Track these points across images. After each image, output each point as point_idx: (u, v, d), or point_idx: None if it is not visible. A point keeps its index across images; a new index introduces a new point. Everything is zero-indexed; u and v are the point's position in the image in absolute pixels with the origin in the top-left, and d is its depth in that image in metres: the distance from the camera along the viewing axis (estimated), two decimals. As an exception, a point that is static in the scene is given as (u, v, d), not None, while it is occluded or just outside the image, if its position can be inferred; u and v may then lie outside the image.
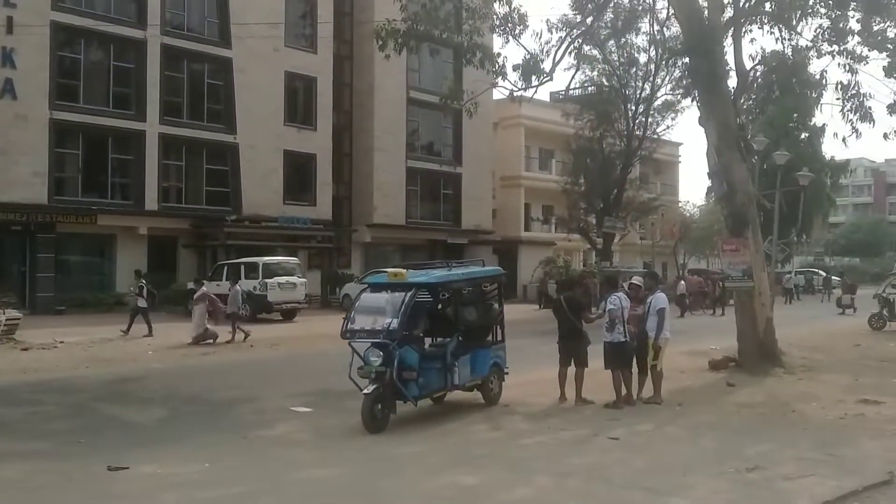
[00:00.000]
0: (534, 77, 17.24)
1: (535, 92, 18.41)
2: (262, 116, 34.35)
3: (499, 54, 17.35)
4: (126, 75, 31.42)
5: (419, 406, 10.34)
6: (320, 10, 36.51)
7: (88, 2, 30.42)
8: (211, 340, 19.46)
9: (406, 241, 41.01)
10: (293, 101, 36.36)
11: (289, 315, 27.47)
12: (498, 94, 27.62)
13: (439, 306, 11.23)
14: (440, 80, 35.14)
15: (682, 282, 33.92)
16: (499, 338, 11.74)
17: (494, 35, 19.73)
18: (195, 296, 20.34)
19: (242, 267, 27.52)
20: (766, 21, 16.79)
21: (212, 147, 33.70)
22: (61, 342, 19.02)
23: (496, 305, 11.86)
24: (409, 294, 9.90)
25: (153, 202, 31.50)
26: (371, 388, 9.42)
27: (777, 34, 16.72)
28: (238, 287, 21.91)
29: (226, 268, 27.80)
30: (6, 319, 19.51)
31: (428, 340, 11.17)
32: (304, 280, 28.68)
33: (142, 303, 21.37)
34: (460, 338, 10.79)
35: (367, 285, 11.23)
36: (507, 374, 11.67)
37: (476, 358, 10.97)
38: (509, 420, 10.47)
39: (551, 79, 17.62)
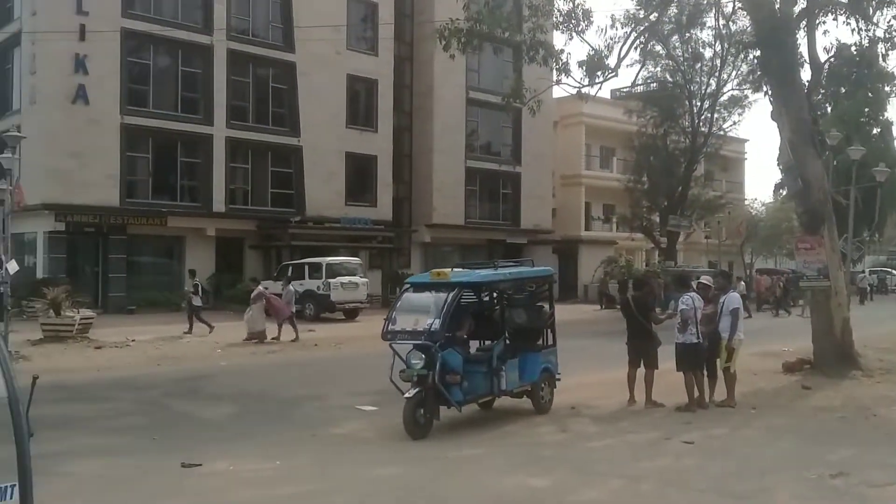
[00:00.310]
0: (598, 73, 17.01)
1: (600, 88, 18.10)
2: (325, 119, 34.73)
3: (562, 51, 17.17)
4: (194, 80, 32.12)
5: (478, 410, 10.21)
6: (381, 12, 36.76)
7: (157, 8, 31.21)
8: (266, 339, 19.86)
9: (465, 241, 40.98)
10: (355, 104, 36.69)
11: (351, 314, 27.71)
12: (558, 92, 27.57)
13: (487, 308, 10.90)
14: (499, 79, 35.12)
15: (743, 283, 33.03)
16: (550, 341, 11.22)
17: (556, 32, 19.52)
18: (252, 295, 20.75)
19: (306, 267, 27.94)
20: (841, 11, 16.18)
21: (276, 150, 34.23)
22: (133, 340, 19.51)
23: (547, 307, 11.44)
24: (451, 294, 9.49)
25: (220, 204, 32.14)
26: (413, 391, 9.12)
27: (854, 25, 16.07)
28: (291, 287, 22.20)
29: (290, 268, 28.22)
30: (81, 318, 20.10)
31: (475, 344, 10.82)
32: (366, 280, 28.90)
33: (197, 301, 21.85)
34: (508, 341, 10.43)
35: (408, 285, 10.79)
36: (559, 379, 11.16)
37: (525, 362, 10.52)
38: (576, 422, 10.31)
39: (616, 74, 17.28)
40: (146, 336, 20.36)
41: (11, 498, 3.60)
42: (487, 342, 10.73)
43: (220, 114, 32.09)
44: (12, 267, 16.90)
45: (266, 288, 21.74)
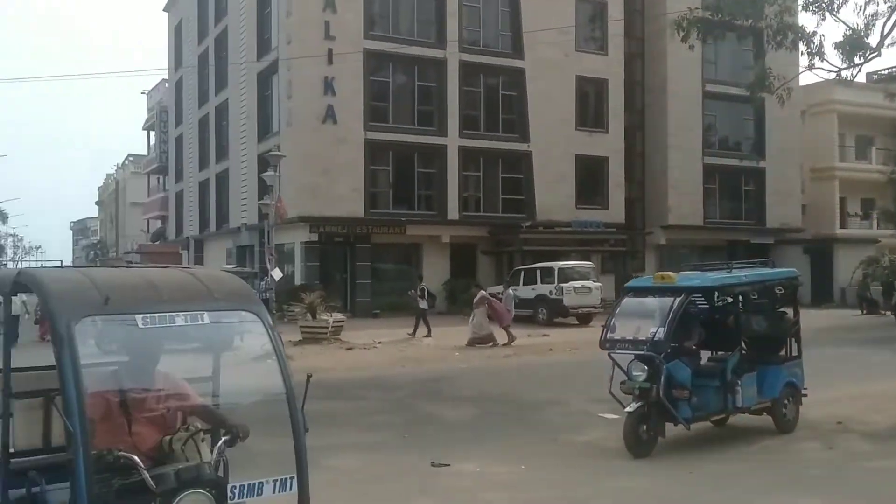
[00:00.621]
0: (857, 55, 15.35)
1: (859, 71, 16.38)
2: (554, 123, 34.71)
3: (814, 33, 15.71)
4: (429, 93, 33.50)
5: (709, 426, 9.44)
6: (610, 10, 36.10)
7: (395, 28, 32.98)
8: (490, 343, 19.99)
9: (704, 243, 38.99)
10: (584, 105, 36.32)
11: (584, 319, 27.34)
12: (803, 79, 25.34)
13: (720, 316, 9.84)
14: (738, 70, 33.05)
15: None
16: (794, 352, 10.04)
17: (804, 13, 17.93)
18: (475, 299, 21.04)
19: (538, 272, 28.03)
20: None
21: (507, 156, 34.76)
22: (379, 343, 20.61)
23: (790, 313, 10.17)
24: (678, 300, 8.65)
25: (454, 212, 33.19)
26: (634, 405, 8.44)
27: None
28: (511, 291, 22.27)
29: (522, 273, 28.47)
30: (333, 322, 21.60)
31: (706, 355, 9.84)
32: (599, 284, 28.41)
33: (423, 304, 22.55)
34: (744, 352, 9.51)
35: (629, 290, 9.97)
36: (805, 395, 9.91)
37: (764, 376, 9.45)
38: (844, 438, 9.33)
39: (879, 54, 15.48)
40: (389, 338, 21.40)
41: (291, 489, 3.81)
42: (720, 353, 9.77)
43: (453, 124, 33.16)
44: (277, 274, 18.54)
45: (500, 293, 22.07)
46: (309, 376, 4.03)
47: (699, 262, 34.45)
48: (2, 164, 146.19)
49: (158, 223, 59.49)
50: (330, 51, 30.47)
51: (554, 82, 34.56)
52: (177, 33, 50.10)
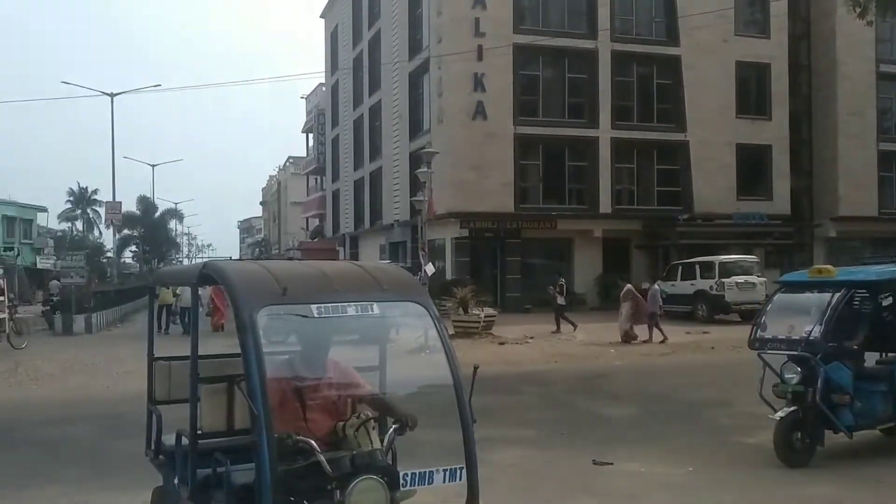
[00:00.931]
0: None
1: None
2: (712, 111, 33.27)
3: None
4: (579, 85, 33.02)
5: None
6: (773, -10, 34.21)
7: (545, 20, 32.73)
8: (635, 340, 19.64)
9: (879, 235, 36.01)
10: (745, 92, 34.59)
11: (747, 316, 25.95)
12: None
13: (886, 313, 8.83)
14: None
15: None
16: None
17: None
18: (621, 294, 20.64)
19: (697, 266, 26.97)
20: None
21: (662, 147, 33.70)
22: (531, 338, 20.55)
23: None
24: (837, 295, 7.91)
25: (607, 205, 32.56)
26: (787, 410, 7.75)
27: None
28: (657, 286, 21.54)
29: (680, 267, 27.49)
30: (485, 316, 21.71)
31: (873, 356, 8.81)
32: (763, 279, 26.90)
33: (560, 300, 22.39)
34: None
35: (782, 285, 9.20)
36: None
37: None
38: None
39: None
40: (541, 334, 21.29)
41: (460, 480, 3.80)
42: (890, 355, 8.79)
43: (604, 116, 32.56)
44: (430, 269, 18.86)
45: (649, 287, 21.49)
46: (476, 367, 4.01)
47: (873, 255, 32.00)
48: (178, 167, 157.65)
49: (316, 221, 62.18)
50: (480, 47, 30.64)
51: (712, 69, 33.15)
52: (333, 39, 52.09)
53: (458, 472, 3.80)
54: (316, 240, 58.55)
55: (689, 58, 33.10)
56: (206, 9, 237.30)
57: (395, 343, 4.75)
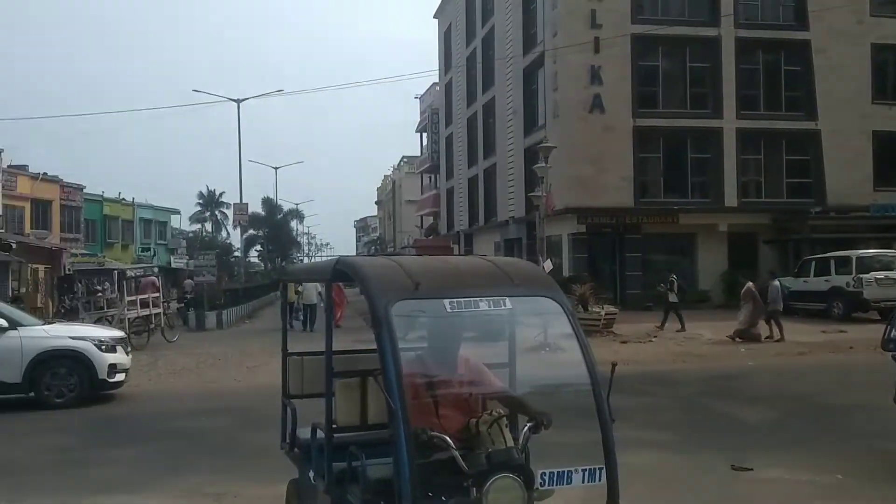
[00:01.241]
0: None
1: None
2: (846, 97, 31.37)
3: None
4: (701, 75, 31.92)
5: None
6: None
7: (664, 9, 31.81)
8: (758, 339, 18.95)
9: None
10: (881, 76, 32.53)
11: (887, 314, 24.31)
12: None
13: None
14: None
15: None
16: None
17: None
18: (742, 292, 19.95)
19: (832, 262, 25.51)
20: None
21: (791, 136, 32.11)
22: (655, 336, 19.97)
23: None
24: None
25: (732, 198, 31.33)
26: None
27: None
28: (777, 282, 20.48)
29: (813, 263, 26.09)
30: (605, 314, 21.28)
31: None
32: (907, 275, 25.14)
33: (672, 297, 21.81)
34: None
35: None
36: None
37: None
38: None
39: None
40: (665, 332, 20.69)
41: (600, 480, 3.65)
42: None
43: (729, 105, 31.35)
44: (548, 266, 18.64)
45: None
46: (614, 365, 3.86)
47: None
48: (298, 169, 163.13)
49: (431, 219, 62.83)
50: (596, 39, 30.09)
51: (845, 53, 31.30)
52: (446, 38, 52.48)
53: (598, 472, 3.68)
54: (430, 237, 59.17)
55: (819, 42, 31.36)
56: (322, 15, 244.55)
57: (528, 338, 4.63)
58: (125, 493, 7.18)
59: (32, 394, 11.92)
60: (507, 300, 3.89)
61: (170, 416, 11.13)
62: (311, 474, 4.62)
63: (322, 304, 28.43)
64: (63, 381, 11.95)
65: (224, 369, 16.06)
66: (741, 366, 15.40)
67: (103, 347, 12.27)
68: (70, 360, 12.01)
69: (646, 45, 31.31)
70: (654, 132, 31.24)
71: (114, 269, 37.07)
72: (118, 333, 13.85)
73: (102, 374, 12.11)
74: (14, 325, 11.98)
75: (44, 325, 13.49)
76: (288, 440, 5.07)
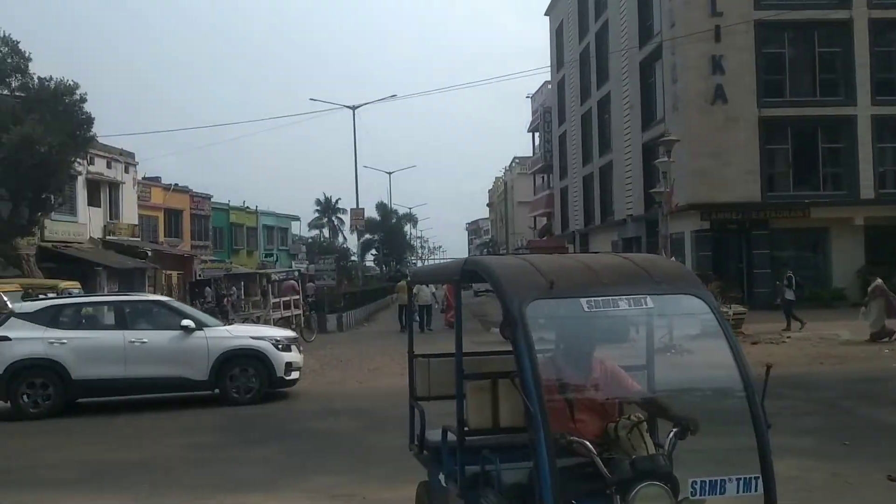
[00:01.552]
0: None
1: None
2: None
3: None
4: (831, 60, 30.27)
5: None
6: None
7: (789, -7, 30.30)
8: (887, 338, 17.68)
9: None
10: None
11: None
12: None
13: None
14: None
15: None
16: None
17: None
18: (869, 289, 18.76)
19: None
20: None
21: (934, 121, 29.92)
22: (788, 337, 19.00)
23: None
24: None
25: (869, 190, 29.52)
26: None
27: None
28: None
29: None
30: (734, 314, 20.34)
31: None
32: None
33: (789, 295, 20.87)
34: None
35: None
36: None
37: None
38: None
39: None
40: (795, 333, 19.75)
41: (756, 490, 3.39)
42: None
43: (863, 91, 29.60)
44: (672, 265, 17.99)
45: None
46: (769, 367, 3.56)
47: None
48: (411, 174, 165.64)
49: (544, 220, 62.28)
50: (717, 27, 28.98)
51: None
52: (558, 35, 51.87)
53: (754, 481, 3.41)
54: (545, 238, 58.63)
55: (967, 18, 29.07)
56: (435, 20, 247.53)
57: (670, 339, 4.38)
58: (255, 492, 7.33)
59: (217, 390, 12.48)
60: (649, 298, 3.67)
61: (298, 416, 11.37)
62: (442, 477, 4.53)
63: (437, 305, 28.72)
64: (245, 379, 12.46)
65: (346, 371, 16.34)
66: (886, 367, 14.33)
67: (280, 346, 12.78)
68: (251, 359, 12.54)
69: (770, 32, 29.89)
70: (782, 122, 29.80)
71: (240, 274, 38.69)
72: (291, 333, 14.50)
73: (280, 372, 12.62)
74: (200, 325, 12.60)
75: (226, 325, 14.32)
76: (417, 442, 5.00)
